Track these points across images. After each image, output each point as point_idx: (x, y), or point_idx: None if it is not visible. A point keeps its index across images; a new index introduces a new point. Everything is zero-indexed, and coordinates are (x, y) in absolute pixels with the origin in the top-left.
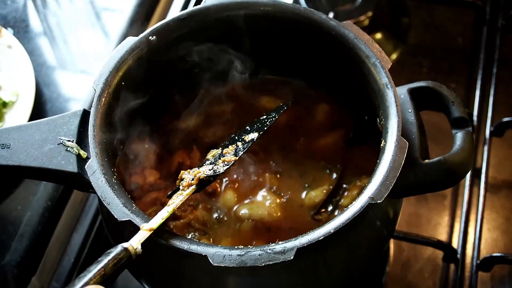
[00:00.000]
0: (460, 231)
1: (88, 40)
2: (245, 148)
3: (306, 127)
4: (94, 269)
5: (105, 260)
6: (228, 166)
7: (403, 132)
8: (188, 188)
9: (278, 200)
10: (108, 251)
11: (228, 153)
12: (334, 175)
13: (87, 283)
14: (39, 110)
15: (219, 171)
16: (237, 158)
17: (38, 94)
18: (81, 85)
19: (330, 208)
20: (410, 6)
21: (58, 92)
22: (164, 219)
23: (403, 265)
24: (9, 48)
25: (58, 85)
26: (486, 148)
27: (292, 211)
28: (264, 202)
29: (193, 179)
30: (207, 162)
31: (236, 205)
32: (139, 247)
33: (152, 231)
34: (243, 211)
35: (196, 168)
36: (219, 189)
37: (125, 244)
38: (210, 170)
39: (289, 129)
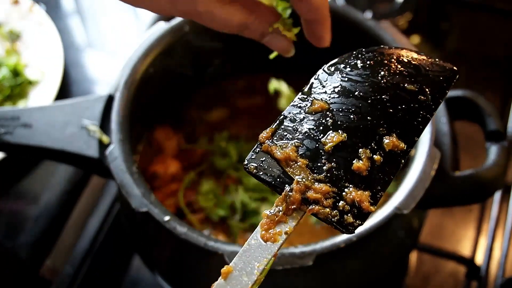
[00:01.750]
0: (486, 247)
1: (118, 23)
2: (389, 177)
3: None
4: None
5: None
6: (362, 222)
7: (435, 142)
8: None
9: None
10: None
11: (360, 171)
12: None
13: None
14: (64, 90)
15: (346, 227)
16: (375, 209)
17: (65, 73)
18: (108, 68)
19: None
20: (451, 11)
21: (84, 73)
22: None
23: (423, 277)
24: (39, 25)
25: (85, 66)
26: None
27: None
28: None
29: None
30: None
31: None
32: None
33: None
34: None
35: (300, 177)
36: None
37: None
38: (332, 208)
39: None
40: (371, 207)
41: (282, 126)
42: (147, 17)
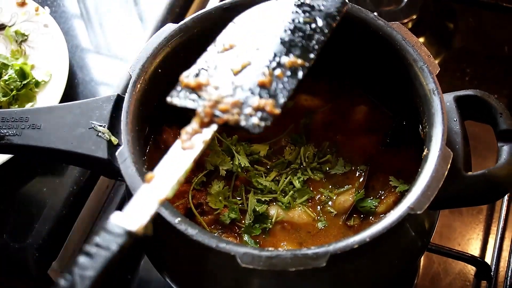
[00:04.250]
0: (495, 247)
1: (123, 25)
2: (291, 87)
3: (341, 127)
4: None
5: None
6: (267, 122)
7: (447, 142)
8: (206, 126)
9: (308, 202)
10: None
11: (265, 84)
12: (361, 179)
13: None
14: (70, 92)
15: (254, 127)
16: (279, 112)
17: (71, 76)
18: (114, 70)
19: (362, 214)
20: (456, 10)
21: (90, 75)
22: (179, 182)
23: (432, 278)
24: (45, 27)
25: (91, 68)
26: None
27: (322, 214)
28: (294, 203)
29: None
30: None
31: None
32: (151, 225)
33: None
34: (273, 212)
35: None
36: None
37: (130, 226)
38: (240, 115)
39: (323, 127)
40: (275, 110)
41: (199, 66)
42: (153, 20)
